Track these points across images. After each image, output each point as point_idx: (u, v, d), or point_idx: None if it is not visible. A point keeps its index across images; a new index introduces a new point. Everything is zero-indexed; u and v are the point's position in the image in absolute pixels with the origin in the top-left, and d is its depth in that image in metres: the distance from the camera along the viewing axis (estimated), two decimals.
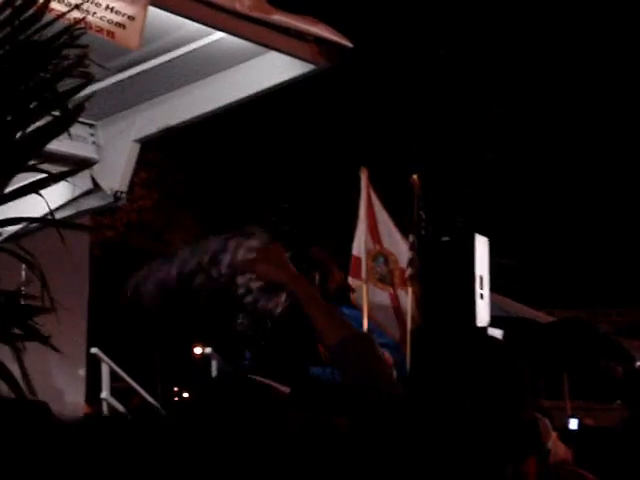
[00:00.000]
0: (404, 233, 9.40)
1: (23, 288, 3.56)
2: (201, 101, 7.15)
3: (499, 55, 17.38)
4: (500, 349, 2.48)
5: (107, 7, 5.74)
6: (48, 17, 3.39)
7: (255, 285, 2.83)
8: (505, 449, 2.37)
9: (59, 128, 3.37)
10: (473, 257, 9.86)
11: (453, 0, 14.33)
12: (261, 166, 13.72)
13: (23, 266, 4.54)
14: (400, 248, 9.27)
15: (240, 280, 2.84)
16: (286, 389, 3.01)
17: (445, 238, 9.95)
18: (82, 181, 7.28)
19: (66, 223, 3.77)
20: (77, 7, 4.93)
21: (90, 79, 3.42)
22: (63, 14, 3.70)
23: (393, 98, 13.13)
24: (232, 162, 13.43)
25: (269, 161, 13.80)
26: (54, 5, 4.95)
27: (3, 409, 3.32)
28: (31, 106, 3.27)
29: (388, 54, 12.85)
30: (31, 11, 3.30)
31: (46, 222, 3.63)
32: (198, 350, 18.02)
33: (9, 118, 3.24)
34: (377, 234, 9.27)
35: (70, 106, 3.41)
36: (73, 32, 3.36)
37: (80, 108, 3.43)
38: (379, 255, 9.33)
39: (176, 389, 21.43)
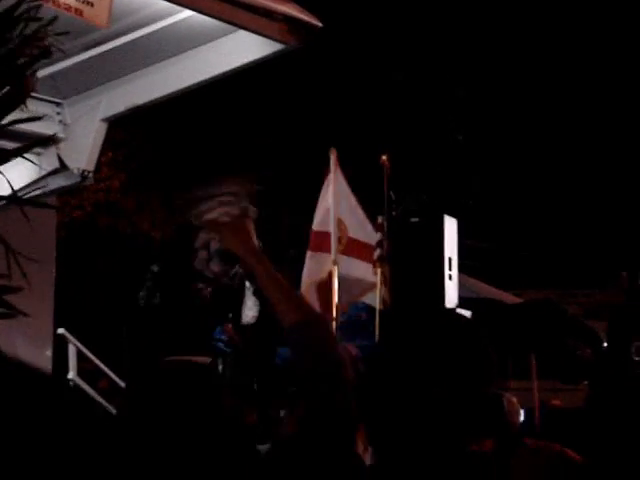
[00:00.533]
0: (373, 214, 9.39)
1: None
2: (170, 80, 7.08)
3: (469, 33, 17.40)
4: (467, 328, 2.48)
5: None
6: None
7: (214, 246, 2.80)
8: (467, 426, 2.37)
9: (15, 101, 3.33)
10: (442, 238, 9.88)
11: None
12: (230, 146, 13.66)
13: None
14: (360, 224, 9.23)
15: (202, 235, 2.82)
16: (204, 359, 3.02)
17: (414, 219, 9.96)
18: (49, 160, 7.20)
19: (31, 201, 3.72)
20: None
21: (48, 53, 3.38)
22: None
23: (363, 78, 13.11)
24: (200, 142, 13.37)
25: (238, 141, 13.76)
26: None
27: None
28: None
29: (358, 34, 12.83)
30: None
31: (11, 200, 3.58)
32: None
33: None
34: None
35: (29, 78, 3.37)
36: (31, 5, 3.32)
37: (34, 81, 3.39)
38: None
39: None
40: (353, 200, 9.25)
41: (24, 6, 3.34)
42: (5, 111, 3.34)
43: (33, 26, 3.45)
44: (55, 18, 3.51)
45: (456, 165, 18.36)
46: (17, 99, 3.39)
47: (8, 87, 3.30)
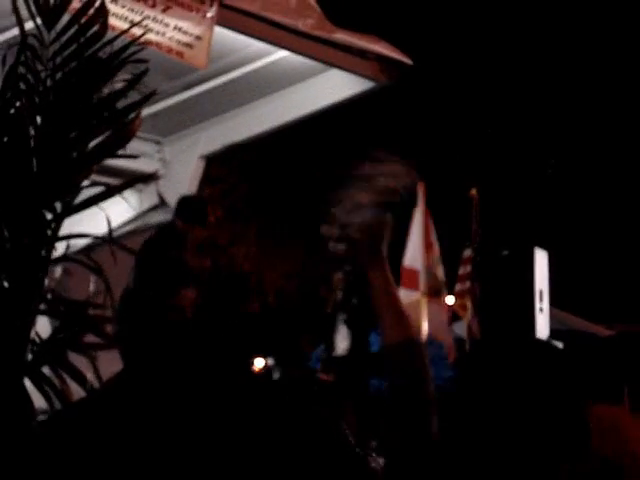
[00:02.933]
0: (461, 247, 9.43)
1: (91, 298, 3.69)
2: (265, 118, 7.29)
3: (562, 70, 17.33)
4: (560, 359, 2.53)
5: (175, 27, 5.91)
6: (110, 34, 3.54)
7: (348, 234, 2.65)
8: (560, 448, 2.42)
9: (119, 143, 3.50)
10: (533, 271, 9.87)
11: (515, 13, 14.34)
12: (323, 182, 13.83)
13: (92, 278, 4.72)
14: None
15: (342, 218, 2.68)
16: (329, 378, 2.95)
17: (505, 252, 9.97)
18: (149, 197, 7.46)
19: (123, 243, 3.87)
20: (139, 25, 5.11)
21: (150, 95, 3.53)
22: (125, 31, 3.85)
23: (452, 111, 13.19)
24: (295, 178, 13.58)
25: (330, 177, 13.90)
26: (116, 23, 5.14)
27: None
28: (93, 122, 3.40)
29: (448, 70, 12.93)
30: (95, 28, 3.45)
31: (106, 240, 3.72)
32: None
33: (74, 134, 3.38)
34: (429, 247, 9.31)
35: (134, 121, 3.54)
36: (137, 48, 3.49)
37: (138, 123, 3.53)
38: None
39: None
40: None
41: (130, 49, 3.51)
42: (109, 152, 3.51)
43: (136, 68, 3.63)
44: (147, 60, 3.66)
45: (546, 198, 18.26)
46: (121, 141, 3.55)
47: (112, 130, 3.47)
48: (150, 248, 4.78)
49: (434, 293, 9.17)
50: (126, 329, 3.59)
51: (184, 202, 6.54)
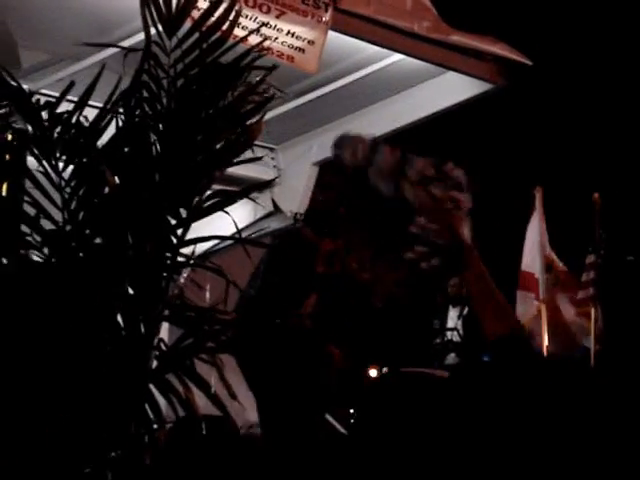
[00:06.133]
0: (585, 253, 9.21)
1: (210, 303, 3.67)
2: (379, 123, 7.19)
3: None
4: None
5: (288, 32, 5.88)
6: (230, 42, 3.51)
7: (430, 237, 2.65)
8: None
9: (241, 148, 3.47)
10: None
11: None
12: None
13: (208, 286, 4.71)
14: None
15: (421, 221, 2.69)
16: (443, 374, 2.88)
17: (630, 257, 9.68)
18: (263, 204, 7.45)
19: (255, 241, 3.86)
20: (257, 32, 5.10)
21: (271, 99, 3.50)
22: (244, 38, 3.82)
23: (574, 113, 12.89)
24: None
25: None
26: (235, 31, 5.13)
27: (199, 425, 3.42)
28: (216, 127, 3.38)
29: (569, 70, 12.65)
30: (217, 35, 3.42)
31: (236, 240, 3.73)
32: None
33: (199, 138, 3.35)
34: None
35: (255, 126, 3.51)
36: (255, 55, 3.46)
37: (260, 128, 3.50)
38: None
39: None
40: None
41: (250, 57, 3.48)
42: (232, 157, 3.48)
43: (252, 75, 3.59)
44: (275, 67, 3.63)
45: None
46: (243, 145, 3.53)
47: (234, 135, 3.44)
48: (278, 256, 4.71)
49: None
50: (247, 335, 3.54)
51: (314, 212, 6.49)
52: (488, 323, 2.49)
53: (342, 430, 4.66)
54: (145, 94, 3.31)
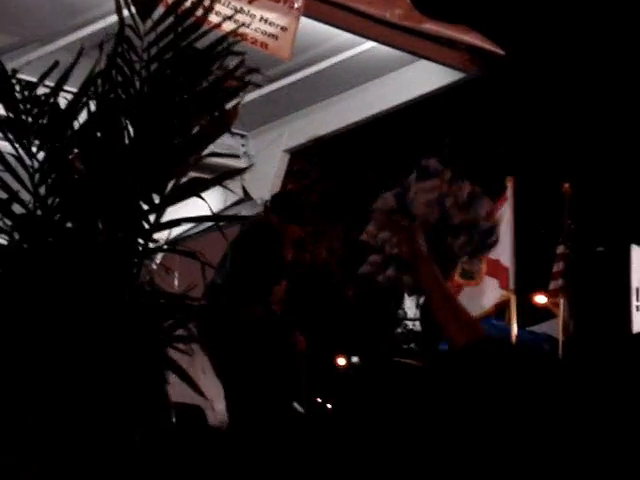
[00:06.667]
0: (555, 243, 9.22)
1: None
2: (350, 111, 7.18)
3: None
4: None
5: (261, 18, 5.85)
6: (204, 28, 3.48)
7: (389, 251, 2.76)
8: None
9: (216, 132, 3.44)
10: (629, 268, 9.61)
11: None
12: (407, 174, 13.68)
13: (175, 274, 4.66)
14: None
15: (381, 235, 2.79)
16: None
17: (600, 249, 9.74)
18: (234, 190, 7.39)
19: (234, 217, 3.84)
20: (231, 18, 5.06)
21: (247, 84, 3.47)
22: (219, 24, 3.78)
23: (544, 102, 12.92)
24: (381, 171, 13.48)
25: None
26: (210, 17, 5.09)
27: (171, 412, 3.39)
28: (191, 111, 3.34)
29: (540, 59, 12.66)
30: (191, 20, 3.38)
31: (214, 219, 3.72)
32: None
33: (175, 121, 3.32)
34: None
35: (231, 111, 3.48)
36: (230, 41, 3.43)
37: (235, 113, 3.48)
38: None
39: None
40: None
41: (224, 43, 3.44)
42: (206, 142, 3.45)
43: (225, 61, 3.55)
44: (244, 53, 3.60)
45: None
46: (218, 130, 3.50)
47: (209, 120, 3.41)
48: (245, 243, 4.68)
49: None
50: (215, 322, 3.49)
51: (280, 199, 6.50)
52: (451, 332, 2.53)
53: (308, 416, 4.65)
54: (119, 78, 3.27)
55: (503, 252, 8.92)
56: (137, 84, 3.27)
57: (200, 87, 3.36)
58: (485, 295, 8.96)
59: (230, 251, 5.86)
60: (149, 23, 3.36)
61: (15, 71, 3.24)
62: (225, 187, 3.66)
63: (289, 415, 5.37)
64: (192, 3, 3.42)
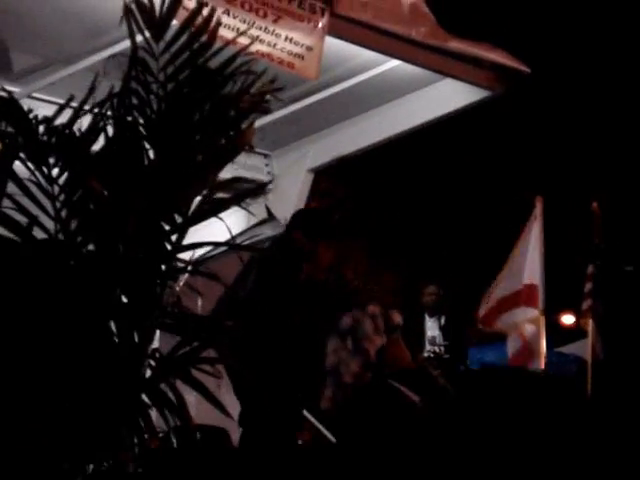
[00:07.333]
0: (584, 263, 9.11)
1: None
2: (375, 130, 7.13)
3: None
4: None
5: (286, 38, 5.82)
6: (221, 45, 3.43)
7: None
8: None
9: (231, 153, 3.39)
10: None
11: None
12: (435, 194, 13.61)
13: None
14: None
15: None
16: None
17: (629, 268, 9.60)
18: (257, 211, 7.36)
19: (248, 247, 3.82)
20: (243, 33, 5.05)
21: (265, 106, 3.41)
22: (234, 39, 3.76)
23: (572, 121, 12.82)
24: (406, 191, 13.41)
25: (443, 189, 13.66)
26: (229, 34, 5.05)
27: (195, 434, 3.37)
28: (208, 131, 3.30)
29: (568, 76, 12.57)
30: (205, 36, 3.34)
31: (231, 246, 3.69)
32: None
33: (197, 138, 3.28)
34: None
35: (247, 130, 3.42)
36: (249, 58, 3.38)
37: (252, 132, 3.42)
38: None
39: None
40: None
41: (238, 60, 3.39)
42: (221, 162, 3.40)
43: (246, 80, 3.50)
44: (264, 71, 3.53)
45: None
46: (233, 151, 3.44)
47: (225, 139, 3.36)
48: (269, 259, 4.63)
49: None
50: (239, 338, 3.45)
51: (304, 215, 6.36)
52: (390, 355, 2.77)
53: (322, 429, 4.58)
54: (134, 101, 3.23)
55: (534, 272, 8.83)
56: (154, 105, 3.24)
57: (217, 105, 3.31)
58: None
59: (251, 267, 5.78)
60: (163, 43, 3.32)
61: (30, 110, 3.20)
62: (245, 209, 3.59)
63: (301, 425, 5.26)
64: (205, 19, 3.36)
